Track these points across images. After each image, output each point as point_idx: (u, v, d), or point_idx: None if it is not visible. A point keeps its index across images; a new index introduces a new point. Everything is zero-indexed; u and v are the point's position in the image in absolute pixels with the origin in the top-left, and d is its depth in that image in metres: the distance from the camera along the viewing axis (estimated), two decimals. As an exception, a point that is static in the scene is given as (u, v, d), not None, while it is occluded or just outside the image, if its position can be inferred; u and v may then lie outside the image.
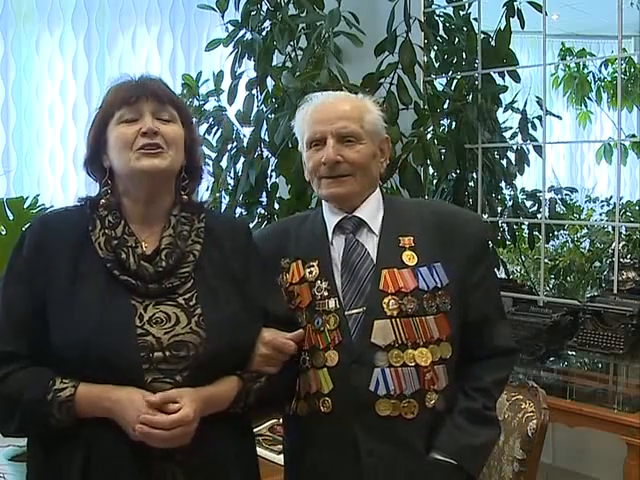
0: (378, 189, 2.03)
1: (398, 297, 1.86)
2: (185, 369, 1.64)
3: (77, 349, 1.61)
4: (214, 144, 3.75)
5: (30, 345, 1.66)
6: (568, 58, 5.87)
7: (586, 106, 6.26)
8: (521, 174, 4.37)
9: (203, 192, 3.64)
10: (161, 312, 1.67)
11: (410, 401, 1.85)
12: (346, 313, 1.87)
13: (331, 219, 1.97)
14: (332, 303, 1.88)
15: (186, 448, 1.62)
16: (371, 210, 1.97)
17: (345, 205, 1.96)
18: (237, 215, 3.68)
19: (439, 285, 1.89)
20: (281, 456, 2.52)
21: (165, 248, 1.72)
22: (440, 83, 4.35)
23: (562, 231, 4.92)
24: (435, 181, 4.37)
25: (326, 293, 1.89)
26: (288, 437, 2.07)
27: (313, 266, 1.93)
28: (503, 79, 4.13)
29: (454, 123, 4.18)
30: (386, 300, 1.86)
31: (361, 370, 1.84)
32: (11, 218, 3.03)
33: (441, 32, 4.21)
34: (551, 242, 4.79)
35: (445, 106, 4.14)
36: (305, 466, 1.94)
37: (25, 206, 3.05)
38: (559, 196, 4.79)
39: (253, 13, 3.66)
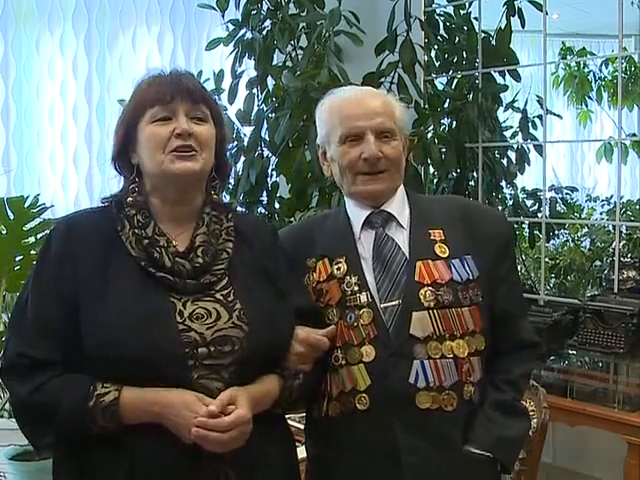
0: (401, 184, 2.02)
1: (434, 288, 1.85)
2: (231, 364, 1.61)
3: (116, 350, 1.56)
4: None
5: (63, 352, 1.61)
6: (568, 57, 5.88)
7: (586, 105, 6.27)
8: (521, 173, 4.37)
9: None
10: (200, 308, 1.64)
11: (449, 393, 1.83)
12: (381, 306, 1.85)
13: (358, 215, 1.96)
14: (364, 297, 1.86)
15: (236, 450, 1.58)
16: (398, 205, 1.97)
17: (377, 201, 1.96)
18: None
19: (471, 277, 1.88)
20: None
21: (200, 245, 1.70)
22: (440, 82, 4.35)
23: (562, 230, 4.92)
24: (435, 180, 4.36)
25: (357, 288, 1.86)
26: (314, 442, 2.00)
27: (340, 262, 1.91)
28: (504, 78, 4.13)
29: (454, 122, 4.18)
30: (422, 291, 1.84)
31: (400, 363, 1.81)
32: (11, 217, 3.02)
33: (441, 31, 4.21)
34: (551, 241, 4.78)
35: (445, 105, 4.14)
36: (338, 469, 1.89)
37: (25, 205, 3.04)
38: (559, 195, 4.78)
39: (253, 12, 3.66)
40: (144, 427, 1.58)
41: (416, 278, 1.86)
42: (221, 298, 1.67)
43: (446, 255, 1.89)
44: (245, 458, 1.62)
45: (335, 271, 1.91)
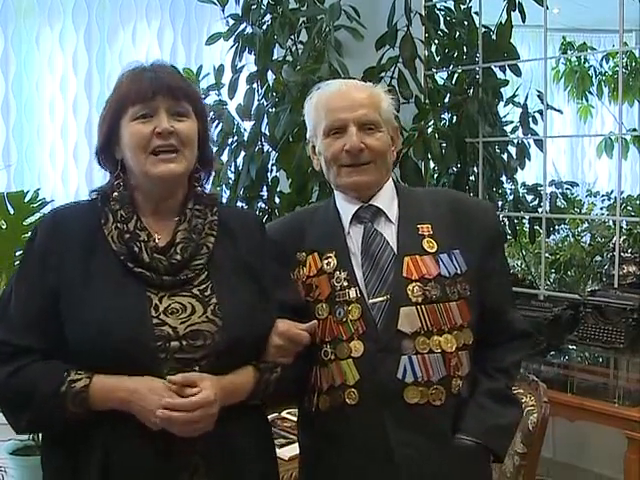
0: (391, 178, 2.03)
1: (422, 283, 1.85)
2: (202, 358, 1.64)
3: (92, 341, 1.61)
4: (215, 138, 3.75)
5: (44, 339, 1.66)
6: (569, 52, 5.86)
7: (587, 100, 6.26)
8: (522, 168, 4.37)
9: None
10: (176, 303, 1.67)
11: (437, 387, 1.84)
12: (370, 302, 1.86)
13: (347, 209, 1.96)
14: (353, 293, 1.86)
15: (207, 439, 1.62)
16: (386, 199, 1.97)
17: (363, 194, 1.95)
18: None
19: (459, 272, 1.89)
20: (283, 450, 2.53)
21: (180, 242, 1.72)
22: (441, 77, 4.34)
23: (563, 225, 4.92)
24: (436, 175, 4.36)
25: (346, 283, 1.87)
26: (307, 435, 2.02)
27: (330, 257, 1.91)
28: (504, 73, 4.13)
29: (455, 117, 4.18)
30: (410, 287, 1.85)
31: (388, 358, 1.82)
32: (11, 212, 3.03)
33: (442, 26, 4.19)
34: (552, 236, 4.78)
35: (446, 100, 4.14)
36: (331, 463, 1.90)
37: (25, 200, 3.04)
38: (560, 190, 4.78)
39: (253, 7, 3.65)
40: (117, 416, 1.61)
41: (404, 274, 1.86)
42: (198, 293, 1.70)
43: (434, 250, 1.90)
44: (216, 448, 1.65)
45: (325, 266, 1.91)
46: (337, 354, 1.86)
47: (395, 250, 1.89)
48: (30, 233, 1.78)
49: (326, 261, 1.91)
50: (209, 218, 1.79)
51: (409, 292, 1.84)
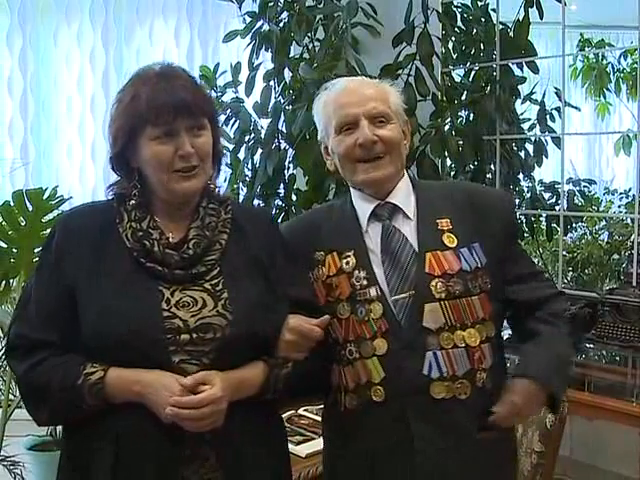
0: (406, 173, 2.02)
1: (445, 279, 1.85)
2: (211, 351, 1.67)
3: (105, 334, 1.65)
4: (232, 136, 3.76)
5: (61, 334, 1.70)
6: (587, 49, 5.84)
7: (605, 97, 6.24)
8: (539, 166, 4.35)
9: (221, 184, 3.64)
10: (188, 296, 1.70)
11: (462, 382, 1.84)
12: (392, 299, 1.85)
13: (364, 207, 1.96)
14: (373, 291, 1.86)
15: (216, 431, 1.64)
16: (403, 195, 1.96)
17: (380, 190, 1.95)
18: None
19: (479, 265, 1.89)
20: (300, 447, 2.53)
21: (193, 238, 1.75)
22: (458, 74, 4.34)
23: (580, 223, 4.91)
24: (453, 173, 4.35)
25: (365, 282, 1.87)
26: (333, 432, 2.02)
27: (349, 256, 1.91)
28: (521, 70, 4.11)
29: (472, 114, 4.17)
30: (433, 283, 1.84)
31: (412, 355, 1.82)
32: (30, 209, 3.05)
33: (459, 23, 4.19)
34: (569, 234, 4.77)
35: (463, 97, 4.12)
36: (355, 458, 1.92)
37: (44, 197, 3.06)
38: (577, 188, 4.77)
39: (270, 4, 3.65)
40: (131, 407, 1.65)
41: (426, 270, 1.86)
42: (209, 287, 1.73)
43: (454, 244, 1.89)
44: (225, 440, 1.68)
45: (344, 265, 1.91)
46: (361, 353, 1.86)
47: (415, 246, 1.89)
48: (49, 232, 1.82)
49: (345, 260, 1.91)
50: (222, 216, 1.82)
51: (432, 288, 1.84)
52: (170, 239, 1.75)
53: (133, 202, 1.76)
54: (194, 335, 1.66)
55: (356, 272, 1.89)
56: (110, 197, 1.81)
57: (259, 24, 3.70)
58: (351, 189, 2.02)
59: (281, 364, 1.76)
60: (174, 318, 1.67)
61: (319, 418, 2.39)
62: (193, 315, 1.68)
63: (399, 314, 1.84)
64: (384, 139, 1.90)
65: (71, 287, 1.70)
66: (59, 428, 3.11)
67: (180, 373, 1.64)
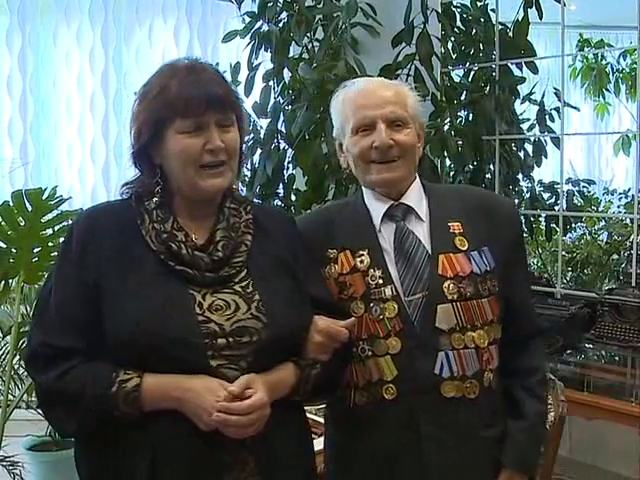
0: (417, 176, 2.03)
1: (457, 281, 1.88)
2: (249, 354, 1.63)
3: (138, 340, 1.60)
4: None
5: (86, 341, 1.64)
6: (586, 49, 5.84)
7: (604, 98, 6.24)
8: (538, 166, 4.36)
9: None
10: (220, 300, 1.66)
11: (472, 381, 1.88)
12: (406, 299, 1.88)
13: (377, 207, 1.97)
14: (388, 291, 1.88)
15: (257, 436, 1.61)
16: (416, 197, 1.98)
17: (393, 191, 1.97)
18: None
19: (488, 269, 1.92)
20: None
21: (220, 240, 1.71)
22: (457, 74, 4.34)
23: (580, 223, 4.91)
24: (452, 173, 4.35)
25: (381, 281, 1.89)
26: (339, 429, 2.03)
27: (363, 255, 1.92)
28: (521, 70, 4.11)
29: (471, 115, 4.17)
30: (446, 284, 1.87)
31: (425, 355, 1.86)
32: (30, 209, 3.04)
33: (458, 23, 4.18)
34: (568, 234, 4.77)
35: (462, 97, 4.12)
36: (363, 455, 1.93)
37: (43, 197, 3.06)
38: (577, 188, 4.77)
39: (270, 4, 3.65)
40: (165, 414, 1.60)
41: (439, 271, 1.88)
42: (240, 290, 1.69)
43: (465, 248, 1.92)
44: (264, 445, 1.64)
45: (358, 264, 1.92)
46: (374, 351, 1.88)
47: (428, 248, 1.92)
48: (65, 234, 1.76)
49: (359, 259, 1.92)
50: (244, 217, 1.79)
51: (445, 290, 1.87)
52: (195, 240, 1.71)
53: (156, 199, 1.71)
54: (230, 339, 1.62)
55: (371, 271, 1.90)
56: (126, 196, 1.76)
57: (258, 24, 3.70)
58: (363, 188, 2.03)
59: (311, 365, 1.75)
60: (209, 322, 1.62)
61: (317, 418, 2.39)
62: (228, 319, 1.64)
63: (412, 314, 1.87)
64: (400, 143, 1.92)
65: (95, 291, 1.64)
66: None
67: (220, 378, 1.60)
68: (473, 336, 1.87)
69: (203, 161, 1.66)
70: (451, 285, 1.87)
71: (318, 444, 2.06)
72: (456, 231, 1.93)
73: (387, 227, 1.95)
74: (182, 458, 1.60)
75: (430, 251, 1.91)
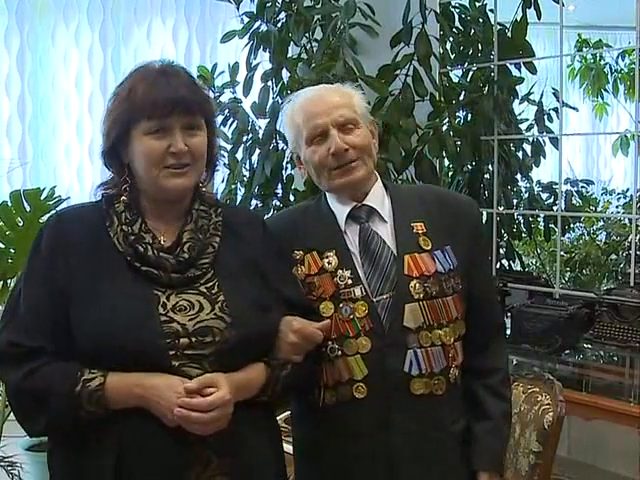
0: (379, 177, 2.07)
1: (422, 280, 1.92)
2: (211, 354, 1.65)
3: (100, 340, 1.63)
4: (229, 136, 3.75)
5: (54, 340, 1.67)
6: (585, 49, 5.85)
7: (602, 98, 6.24)
8: (537, 166, 4.36)
9: (219, 184, 3.65)
10: (184, 300, 1.69)
11: (439, 378, 1.92)
12: (374, 299, 1.91)
13: (341, 209, 2.00)
14: (358, 291, 1.91)
15: (220, 434, 1.63)
16: (378, 198, 2.01)
17: (357, 193, 1.99)
18: (252, 207, 3.69)
19: (452, 267, 1.96)
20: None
21: (187, 241, 1.74)
22: (456, 75, 4.34)
23: (578, 223, 4.91)
24: (451, 173, 4.36)
25: (350, 281, 1.92)
26: (307, 429, 2.05)
27: (330, 256, 1.95)
28: (519, 70, 4.11)
29: (470, 115, 4.17)
30: (412, 284, 1.91)
31: (394, 353, 1.89)
32: (28, 209, 3.05)
33: (457, 23, 4.18)
34: (567, 234, 4.77)
35: (461, 98, 4.12)
36: (333, 453, 1.96)
37: (42, 197, 3.06)
38: (575, 188, 4.78)
39: (268, 5, 3.65)
40: (130, 412, 1.63)
41: (405, 272, 1.92)
42: (205, 291, 1.72)
43: (429, 247, 1.96)
44: (228, 443, 1.66)
45: (326, 265, 1.95)
46: (344, 351, 1.90)
47: (393, 249, 1.95)
48: (36, 235, 1.78)
49: (326, 260, 1.95)
50: (214, 219, 1.81)
51: (412, 289, 1.91)
52: (162, 242, 1.74)
53: (124, 198, 1.75)
54: (193, 339, 1.65)
55: (340, 271, 1.93)
56: (98, 198, 1.79)
57: (257, 24, 3.69)
58: (326, 192, 2.06)
59: (281, 365, 1.77)
60: (172, 322, 1.65)
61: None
62: (191, 319, 1.66)
63: (381, 314, 1.91)
64: (354, 146, 1.95)
65: (64, 291, 1.67)
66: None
67: (183, 377, 1.62)
68: (440, 334, 1.92)
69: (166, 163, 1.70)
70: (417, 284, 1.91)
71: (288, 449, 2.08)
72: (419, 231, 1.97)
73: (352, 228, 1.98)
74: (146, 456, 1.63)
75: (396, 252, 1.94)
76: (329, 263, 1.94)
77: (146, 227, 1.74)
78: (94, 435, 1.65)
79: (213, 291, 1.72)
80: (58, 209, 1.85)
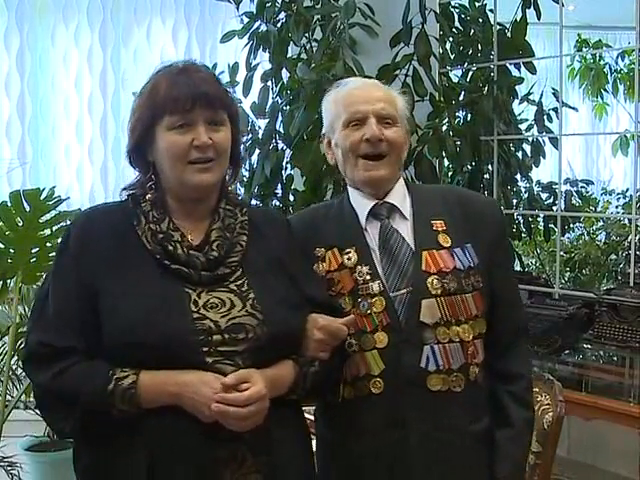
0: (402, 176, 2.09)
1: (440, 277, 1.92)
2: (244, 351, 1.65)
3: (132, 338, 1.62)
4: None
5: (84, 340, 1.66)
6: (584, 49, 5.85)
7: (602, 98, 6.24)
8: (537, 166, 4.36)
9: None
10: (215, 298, 1.69)
11: (457, 375, 1.91)
12: (391, 295, 1.92)
13: (362, 206, 2.02)
14: (376, 286, 1.92)
15: (255, 431, 1.63)
16: (400, 196, 2.03)
17: (379, 190, 2.01)
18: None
19: (472, 265, 1.96)
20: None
21: (216, 240, 1.74)
22: (455, 75, 4.33)
23: (578, 224, 4.91)
24: (450, 173, 4.35)
25: (368, 277, 1.93)
26: (328, 426, 2.06)
27: (350, 252, 1.96)
28: (519, 71, 4.11)
29: (469, 115, 4.17)
30: (430, 280, 1.91)
31: (411, 348, 1.89)
32: (27, 210, 3.05)
33: (457, 23, 4.19)
34: (567, 235, 4.77)
35: (460, 98, 4.12)
36: (350, 449, 1.96)
37: (41, 198, 3.06)
38: (575, 188, 4.78)
39: (268, 5, 3.65)
40: (161, 411, 1.62)
41: (423, 267, 1.93)
42: (235, 288, 1.72)
43: (449, 245, 1.96)
44: (262, 441, 1.66)
45: (346, 261, 1.97)
46: (362, 345, 1.91)
47: (412, 245, 1.96)
48: (62, 234, 1.79)
49: (346, 256, 1.96)
50: (240, 218, 1.82)
51: (429, 285, 1.91)
52: (191, 241, 1.74)
53: (149, 196, 1.75)
54: (226, 336, 1.65)
55: (359, 267, 1.95)
56: (124, 196, 1.79)
57: (257, 24, 3.70)
58: (349, 188, 2.07)
59: (309, 363, 1.78)
60: (204, 319, 1.65)
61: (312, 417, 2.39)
62: (223, 316, 1.67)
63: (398, 309, 1.91)
64: (389, 140, 1.97)
65: (93, 288, 1.67)
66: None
67: (216, 373, 1.62)
68: (458, 330, 1.92)
69: (191, 157, 1.70)
70: (435, 280, 1.92)
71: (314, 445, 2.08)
72: (439, 229, 1.98)
73: (372, 225, 2.00)
74: (180, 454, 1.62)
75: (414, 248, 1.95)
76: (349, 259, 1.96)
77: (174, 225, 1.74)
78: (125, 434, 1.64)
79: (243, 289, 1.72)
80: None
